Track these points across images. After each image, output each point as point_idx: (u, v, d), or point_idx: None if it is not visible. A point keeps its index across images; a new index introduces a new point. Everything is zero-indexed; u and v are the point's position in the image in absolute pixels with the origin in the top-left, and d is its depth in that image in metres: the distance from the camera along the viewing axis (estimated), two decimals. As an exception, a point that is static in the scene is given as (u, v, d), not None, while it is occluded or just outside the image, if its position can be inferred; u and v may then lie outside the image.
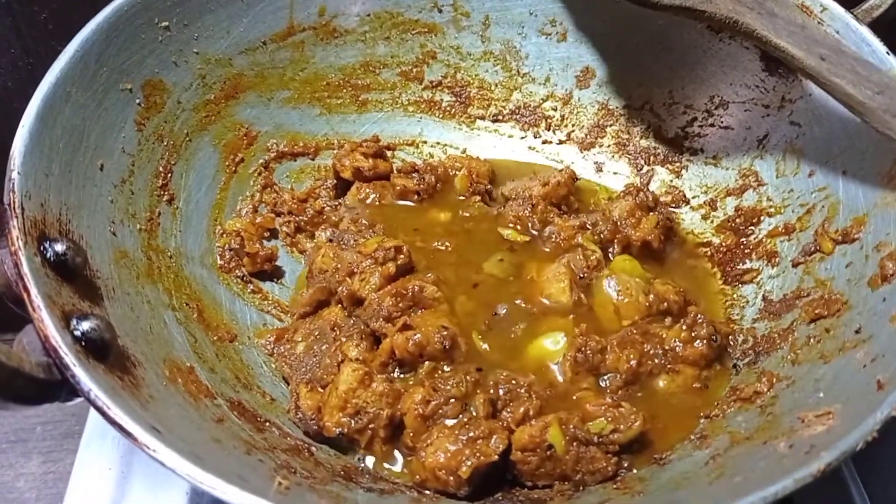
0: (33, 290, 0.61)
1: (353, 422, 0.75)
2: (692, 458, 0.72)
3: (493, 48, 1.07)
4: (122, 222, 0.80)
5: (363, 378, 0.75)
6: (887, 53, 0.82)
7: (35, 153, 0.71)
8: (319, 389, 0.78)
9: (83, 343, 0.61)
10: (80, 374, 0.58)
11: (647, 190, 0.98)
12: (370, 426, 0.75)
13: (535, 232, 0.93)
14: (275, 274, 0.94)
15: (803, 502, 0.85)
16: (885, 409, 0.59)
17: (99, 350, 0.62)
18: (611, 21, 1.03)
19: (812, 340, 0.77)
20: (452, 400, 0.74)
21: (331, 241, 0.91)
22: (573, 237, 0.90)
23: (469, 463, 0.70)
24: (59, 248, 0.66)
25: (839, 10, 0.87)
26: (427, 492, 0.71)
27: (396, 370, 0.79)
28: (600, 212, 0.95)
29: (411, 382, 0.77)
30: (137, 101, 0.86)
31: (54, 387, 0.60)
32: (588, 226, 0.92)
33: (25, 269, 0.62)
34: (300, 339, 0.84)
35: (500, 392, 0.75)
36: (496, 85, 1.09)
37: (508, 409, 0.74)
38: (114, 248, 0.77)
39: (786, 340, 0.80)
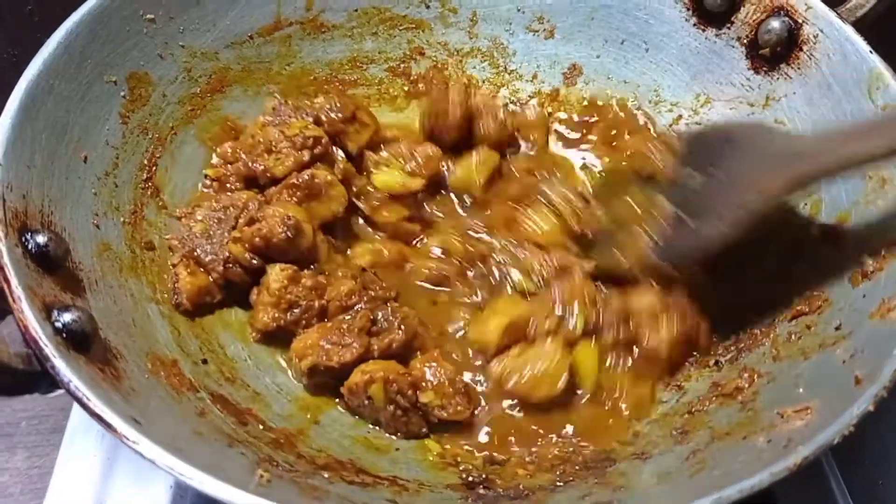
0: (13, 281, 0.61)
1: (287, 315, 0.80)
2: (673, 452, 0.72)
3: (481, 45, 1.08)
4: (105, 215, 0.80)
5: (293, 275, 0.80)
6: (870, 52, 0.83)
7: (17, 144, 0.71)
8: (200, 272, 0.82)
9: (64, 335, 0.61)
10: (60, 365, 0.58)
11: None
12: (303, 317, 0.80)
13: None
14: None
15: (786, 499, 0.86)
16: (863, 404, 0.60)
17: (80, 342, 0.62)
18: (597, 18, 1.03)
19: (793, 337, 0.77)
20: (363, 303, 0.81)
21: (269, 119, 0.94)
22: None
23: (310, 359, 0.77)
24: (41, 239, 0.66)
25: (823, 8, 0.87)
26: (408, 482, 0.72)
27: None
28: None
29: (340, 275, 0.83)
30: (122, 93, 0.85)
31: (34, 378, 0.59)
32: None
33: (6, 259, 0.62)
34: (200, 217, 0.85)
35: (380, 315, 0.80)
36: (483, 81, 1.09)
37: (379, 336, 0.79)
38: (97, 240, 0.77)
39: (768, 337, 0.80)
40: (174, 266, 0.83)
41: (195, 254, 0.83)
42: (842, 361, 0.68)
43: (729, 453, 0.66)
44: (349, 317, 0.80)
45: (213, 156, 0.94)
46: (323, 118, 0.94)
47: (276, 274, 0.81)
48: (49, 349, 0.58)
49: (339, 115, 0.94)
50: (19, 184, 0.69)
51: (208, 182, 0.92)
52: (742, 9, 0.94)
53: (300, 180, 0.86)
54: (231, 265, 0.83)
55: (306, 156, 0.88)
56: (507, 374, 0.79)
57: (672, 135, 0.78)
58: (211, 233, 0.84)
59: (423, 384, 0.77)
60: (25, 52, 0.76)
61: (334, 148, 0.93)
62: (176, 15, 0.91)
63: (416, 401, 0.76)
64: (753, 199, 0.64)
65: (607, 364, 0.81)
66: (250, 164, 0.90)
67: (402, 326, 0.80)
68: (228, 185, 0.91)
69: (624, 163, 0.94)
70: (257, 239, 0.81)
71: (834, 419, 0.60)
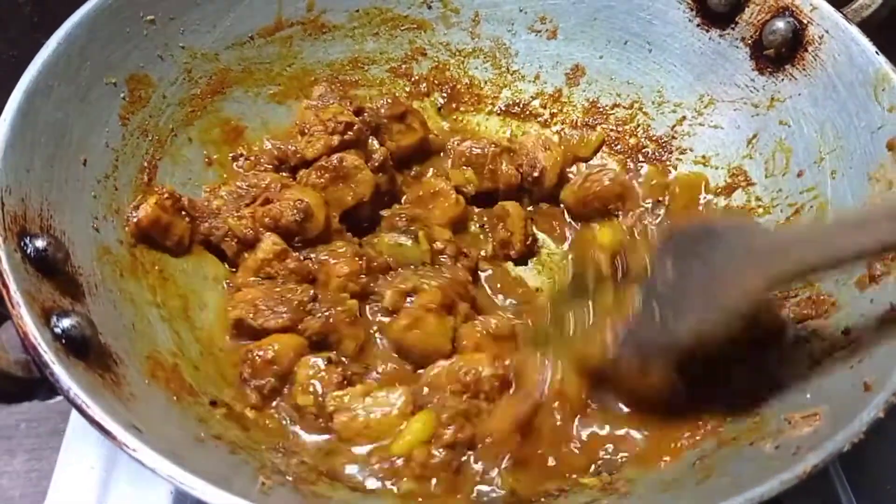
0: (12, 287, 0.60)
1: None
2: (679, 459, 0.71)
3: (483, 45, 1.07)
4: (105, 218, 0.79)
5: (281, 252, 0.82)
6: (876, 53, 0.82)
7: (16, 148, 0.70)
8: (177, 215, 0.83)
9: (63, 340, 0.60)
10: (60, 372, 0.58)
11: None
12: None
13: None
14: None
15: (790, 503, 0.86)
16: (872, 410, 0.59)
17: (79, 347, 0.61)
18: (601, 19, 1.02)
19: (801, 341, 0.76)
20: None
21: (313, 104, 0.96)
22: None
23: (238, 312, 0.79)
24: (40, 243, 0.65)
25: (829, 9, 0.87)
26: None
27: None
28: None
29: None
30: (122, 95, 0.85)
31: (33, 384, 0.59)
32: None
33: (5, 264, 0.61)
34: (223, 194, 0.87)
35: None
36: (485, 82, 1.08)
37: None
38: (97, 244, 0.76)
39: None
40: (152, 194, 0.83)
41: (201, 228, 0.86)
42: (850, 367, 0.67)
43: (736, 460, 0.66)
44: (291, 287, 0.80)
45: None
46: (365, 109, 0.96)
47: (267, 244, 0.82)
48: (48, 356, 0.58)
49: (384, 111, 0.96)
50: (18, 187, 0.68)
51: (241, 161, 0.94)
52: (746, 9, 0.93)
53: (329, 163, 0.87)
54: (228, 238, 0.85)
55: (336, 140, 0.89)
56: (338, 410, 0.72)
57: (651, 227, 0.77)
58: (225, 209, 0.86)
59: (300, 385, 0.75)
60: (24, 54, 0.75)
61: (373, 140, 0.94)
62: (176, 16, 0.90)
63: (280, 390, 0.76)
64: (733, 297, 0.62)
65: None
66: (282, 146, 0.92)
67: (329, 315, 0.79)
68: (258, 166, 0.92)
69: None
70: (267, 219, 0.83)
71: (843, 426, 0.59)
